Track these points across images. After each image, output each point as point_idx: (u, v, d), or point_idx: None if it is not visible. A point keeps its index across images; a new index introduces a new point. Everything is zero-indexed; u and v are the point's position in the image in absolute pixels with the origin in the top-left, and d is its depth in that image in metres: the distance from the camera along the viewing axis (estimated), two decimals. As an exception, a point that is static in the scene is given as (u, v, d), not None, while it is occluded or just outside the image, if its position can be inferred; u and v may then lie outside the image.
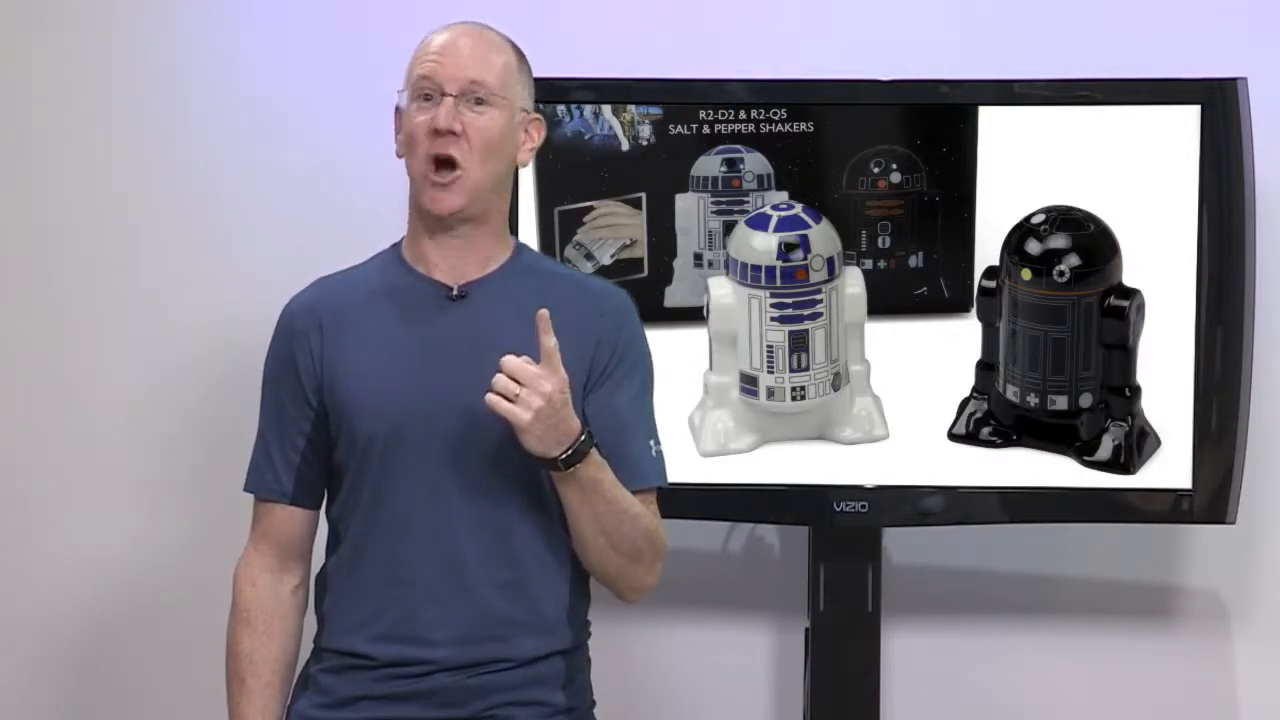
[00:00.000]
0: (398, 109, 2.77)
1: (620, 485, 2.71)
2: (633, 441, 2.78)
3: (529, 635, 2.74)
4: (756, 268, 3.34)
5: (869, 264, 3.40)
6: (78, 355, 3.67)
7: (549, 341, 2.61)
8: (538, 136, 2.81)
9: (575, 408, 2.68)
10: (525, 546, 2.74)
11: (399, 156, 2.76)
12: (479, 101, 2.70)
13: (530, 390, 2.59)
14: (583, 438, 2.64)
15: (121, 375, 3.66)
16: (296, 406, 2.76)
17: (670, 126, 3.38)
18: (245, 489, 2.81)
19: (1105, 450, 3.38)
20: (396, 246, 2.82)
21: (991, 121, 3.36)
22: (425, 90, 2.70)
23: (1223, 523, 3.38)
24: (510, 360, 2.60)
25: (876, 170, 3.39)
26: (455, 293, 2.75)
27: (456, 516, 2.71)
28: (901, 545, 3.61)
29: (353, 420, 2.73)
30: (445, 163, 2.69)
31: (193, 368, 3.64)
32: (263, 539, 2.79)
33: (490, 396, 2.59)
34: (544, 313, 2.61)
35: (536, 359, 2.65)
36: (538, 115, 2.81)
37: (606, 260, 3.41)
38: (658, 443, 2.82)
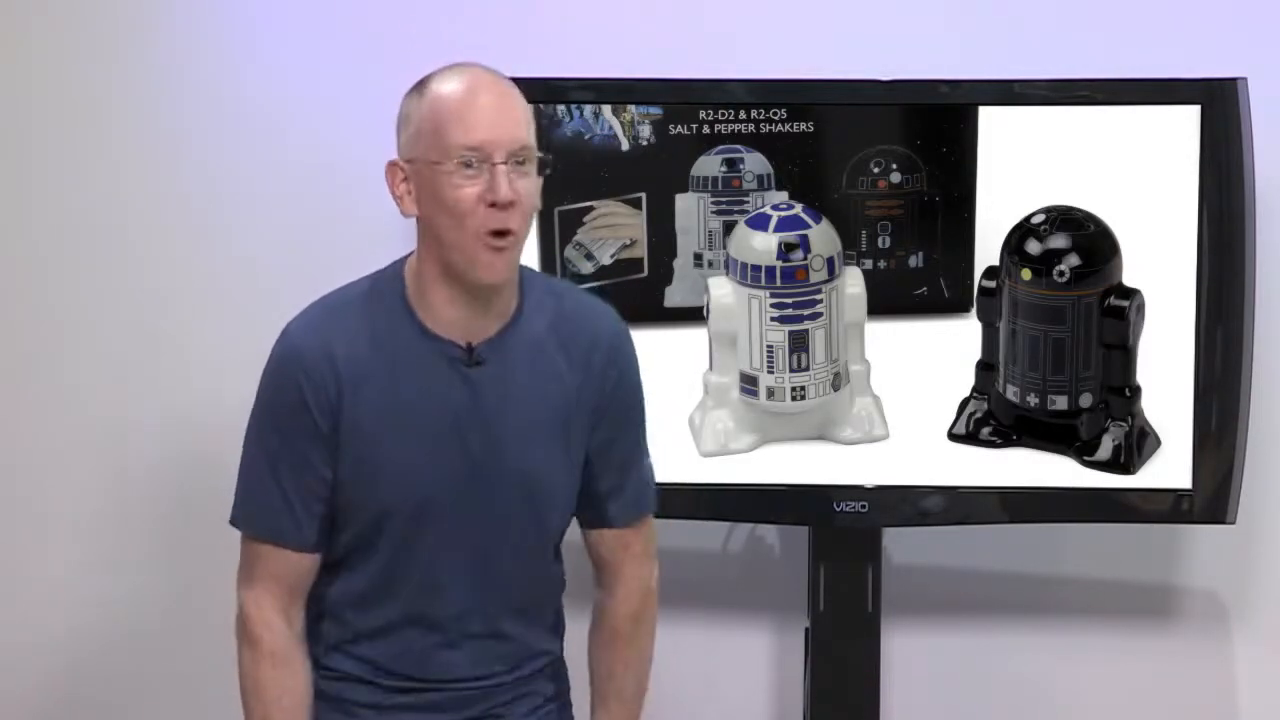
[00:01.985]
0: (395, 165, 2.64)
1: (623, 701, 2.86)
2: (630, 478, 2.81)
3: (534, 659, 2.81)
4: (756, 268, 3.34)
5: (869, 264, 3.40)
6: (71, 360, 3.66)
7: None
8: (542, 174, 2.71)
9: (578, 454, 2.74)
10: (535, 590, 2.80)
11: (409, 216, 2.65)
12: (520, 163, 2.61)
13: None
14: None
15: (118, 374, 3.66)
16: (315, 452, 2.67)
17: (670, 126, 3.38)
18: (257, 534, 2.71)
19: (1105, 450, 3.38)
20: (397, 285, 2.69)
21: (991, 121, 3.36)
22: (468, 159, 2.58)
23: (1223, 523, 3.38)
24: None
25: (876, 170, 3.39)
26: (472, 358, 2.68)
27: (475, 573, 2.73)
28: (901, 545, 3.61)
29: (371, 488, 2.69)
30: (502, 233, 2.60)
31: (191, 363, 3.64)
32: (274, 582, 2.71)
33: None
34: None
35: (549, 412, 2.70)
36: (541, 153, 2.68)
37: (606, 260, 3.41)
38: (649, 459, 2.85)
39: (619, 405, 2.78)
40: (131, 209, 3.65)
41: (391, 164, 2.65)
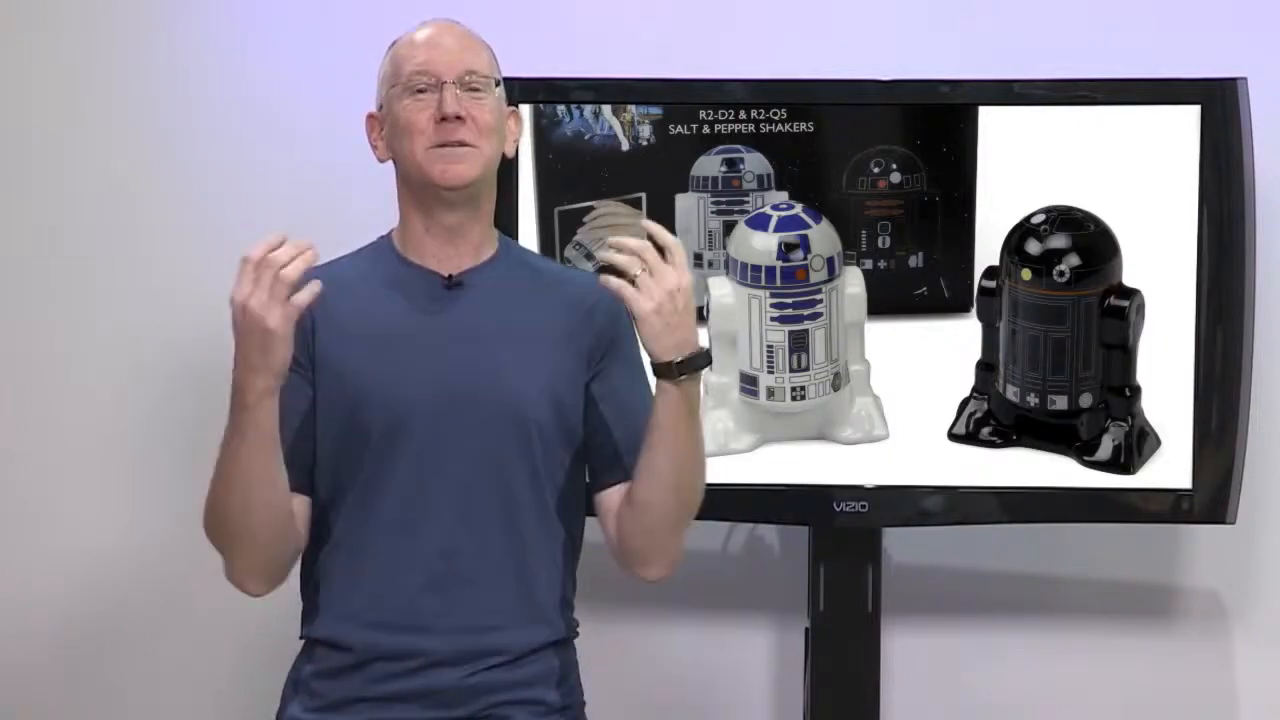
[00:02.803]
0: (372, 116, 2.82)
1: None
2: (643, 426, 2.79)
3: (526, 625, 2.75)
4: (756, 268, 3.34)
5: (869, 264, 3.40)
6: (76, 351, 3.66)
7: (669, 239, 2.63)
8: (518, 129, 2.86)
9: (566, 396, 2.76)
10: (525, 534, 2.75)
11: (382, 160, 2.81)
12: (473, 89, 2.75)
13: (656, 280, 2.60)
14: (702, 351, 2.65)
15: (118, 370, 3.66)
16: (294, 387, 2.72)
17: (670, 126, 3.38)
18: None
19: (1105, 450, 3.37)
20: (385, 239, 2.85)
21: (991, 121, 3.36)
22: (420, 84, 2.74)
23: (1223, 523, 3.38)
24: (632, 242, 2.61)
25: (876, 170, 3.39)
26: (451, 280, 2.76)
27: (458, 506, 2.72)
28: (901, 545, 3.61)
29: (346, 409, 2.73)
30: (456, 145, 2.74)
31: (190, 363, 3.64)
32: None
33: (605, 277, 2.61)
34: (644, 229, 2.63)
35: (533, 345, 2.74)
36: (514, 109, 2.84)
37: (607, 260, 3.40)
38: None
39: (616, 352, 2.81)
40: (128, 206, 3.65)
41: (369, 116, 2.84)
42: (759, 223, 3.35)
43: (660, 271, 2.61)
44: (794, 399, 3.39)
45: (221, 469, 2.66)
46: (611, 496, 2.81)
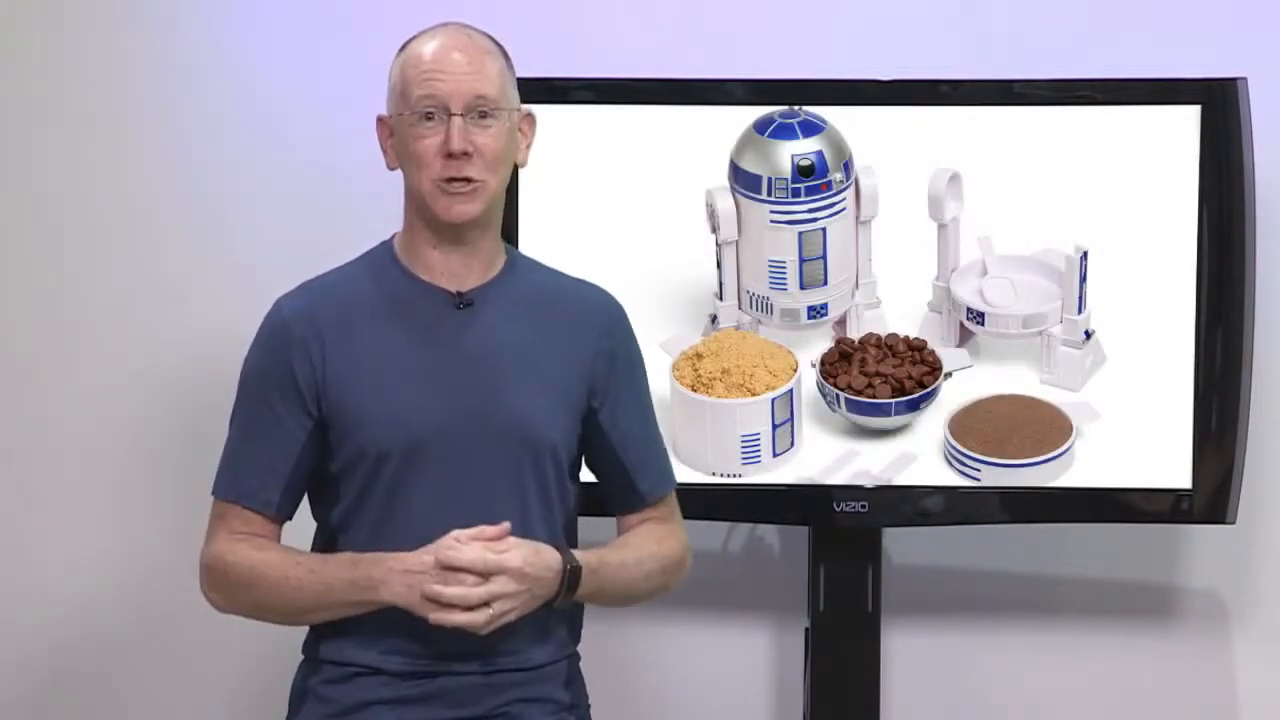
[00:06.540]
0: (382, 119, 2.76)
1: (620, 557, 2.76)
2: (650, 449, 2.84)
3: (541, 645, 2.75)
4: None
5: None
6: (77, 352, 3.66)
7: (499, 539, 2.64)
8: (532, 133, 2.81)
9: (573, 418, 2.75)
10: None
11: (391, 169, 2.76)
12: (483, 115, 2.69)
13: (496, 591, 2.61)
14: (563, 586, 2.67)
15: (120, 372, 3.66)
16: (293, 417, 2.71)
17: (670, 126, 3.39)
18: (222, 495, 2.75)
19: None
20: (388, 247, 2.79)
21: (992, 121, 3.35)
22: (428, 109, 2.68)
23: (1223, 523, 3.38)
24: (462, 557, 2.61)
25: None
26: (461, 300, 2.74)
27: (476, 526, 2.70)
28: (901, 545, 3.61)
29: (363, 434, 2.70)
30: (460, 179, 2.69)
31: (192, 364, 3.64)
32: (236, 536, 2.73)
33: (441, 615, 2.61)
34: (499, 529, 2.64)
35: (544, 365, 2.72)
36: (529, 112, 2.79)
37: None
38: (660, 438, 2.88)
39: (622, 376, 2.80)
40: (128, 209, 3.66)
41: (379, 119, 2.77)
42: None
43: (497, 579, 2.61)
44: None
45: (291, 598, 2.69)
46: (631, 524, 2.84)
